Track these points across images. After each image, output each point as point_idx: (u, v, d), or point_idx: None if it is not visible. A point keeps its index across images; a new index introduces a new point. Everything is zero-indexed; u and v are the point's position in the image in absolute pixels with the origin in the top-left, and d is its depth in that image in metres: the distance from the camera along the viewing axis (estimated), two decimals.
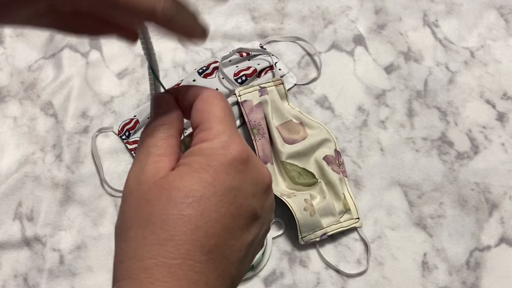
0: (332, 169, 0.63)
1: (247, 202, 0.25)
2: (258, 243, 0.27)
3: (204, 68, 0.68)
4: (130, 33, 0.27)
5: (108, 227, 0.63)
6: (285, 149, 0.63)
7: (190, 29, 0.25)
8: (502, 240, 0.62)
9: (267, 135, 0.64)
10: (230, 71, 0.68)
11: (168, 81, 0.70)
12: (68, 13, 0.24)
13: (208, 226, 0.23)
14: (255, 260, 0.53)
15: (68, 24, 0.26)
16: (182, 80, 0.68)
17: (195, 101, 0.27)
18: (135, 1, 0.22)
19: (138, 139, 0.66)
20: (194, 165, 0.24)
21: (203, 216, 0.23)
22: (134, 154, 0.66)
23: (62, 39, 0.74)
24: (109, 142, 0.67)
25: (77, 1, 0.23)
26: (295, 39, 0.73)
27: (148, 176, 0.24)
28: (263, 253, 0.60)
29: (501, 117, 0.69)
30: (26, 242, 0.62)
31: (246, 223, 0.25)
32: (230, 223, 0.24)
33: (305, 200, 0.60)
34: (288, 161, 0.63)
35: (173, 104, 0.28)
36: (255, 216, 0.25)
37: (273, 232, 0.62)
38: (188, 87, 0.28)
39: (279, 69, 0.70)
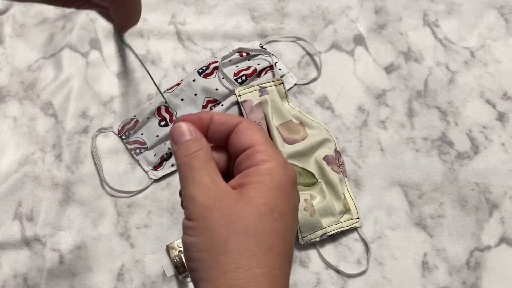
0: (332, 169, 0.63)
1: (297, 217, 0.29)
2: None
3: (204, 68, 0.68)
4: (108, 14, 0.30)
5: (108, 227, 0.63)
6: (285, 149, 0.63)
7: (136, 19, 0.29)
8: (502, 240, 0.62)
9: (267, 135, 0.64)
10: (230, 71, 0.68)
11: (168, 81, 0.70)
12: None
13: (290, 239, 0.27)
14: None
15: None
16: (182, 80, 0.68)
17: (236, 127, 0.30)
18: None
19: (138, 139, 0.66)
20: (268, 183, 0.27)
21: (287, 230, 0.27)
22: (134, 154, 0.66)
23: (62, 39, 0.74)
24: (109, 142, 0.67)
25: None
26: (295, 39, 0.73)
27: (222, 194, 0.27)
28: None
29: (501, 117, 0.69)
30: (26, 242, 0.62)
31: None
32: (294, 236, 0.28)
33: (305, 200, 0.60)
34: (288, 161, 0.63)
35: (198, 132, 0.30)
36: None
37: None
38: (221, 115, 0.31)
39: (279, 69, 0.70)
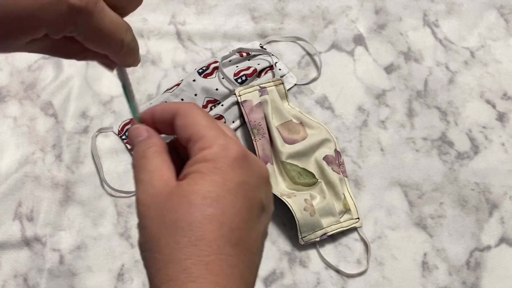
0: (332, 169, 0.63)
1: (254, 194, 0.27)
2: (266, 233, 0.29)
3: (204, 68, 0.68)
4: (108, 61, 0.30)
5: (108, 227, 0.63)
6: (285, 149, 0.63)
7: (135, 61, 0.29)
8: (502, 240, 0.62)
9: (267, 135, 0.64)
10: (230, 71, 0.68)
11: (168, 81, 0.70)
12: (59, 39, 0.26)
13: (230, 221, 0.25)
14: None
15: (58, 49, 0.28)
16: (182, 80, 0.68)
17: (174, 118, 0.29)
18: (110, 34, 0.26)
19: None
20: (202, 170, 0.26)
21: (224, 213, 0.25)
22: (134, 155, 0.66)
23: None
24: (109, 142, 0.67)
25: (69, 31, 0.25)
26: (295, 39, 0.73)
27: (160, 189, 0.26)
28: None
29: (501, 117, 0.69)
30: (26, 242, 0.62)
31: (258, 214, 0.27)
32: (246, 216, 0.26)
33: (305, 200, 0.60)
34: (288, 161, 0.63)
35: (150, 130, 0.30)
36: (262, 207, 0.28)
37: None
38: (162, 106, 0.30)
39: (279, 69, 0.70)
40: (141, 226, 0.26)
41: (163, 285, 0.24)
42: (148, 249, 0.26)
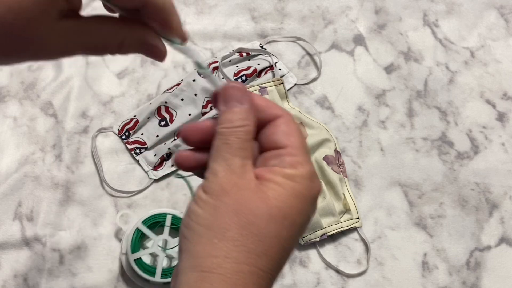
0: (332, 169, 0.63)
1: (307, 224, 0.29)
2: None
3: None
4: (159, 52, 0.29)
5: (108, 227, 0.63)
6: None
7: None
8: (502, 240, 0.62)
9: None
10: (230, 71, 0.68)
11: (168, 81, 0.70)
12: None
13: (291, 248, 0.27)
14: None
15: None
16: (182, 80, 0.68)
17: (276, 119, 0.28)
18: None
19: (138, 139, 0.66)
20: (287, 188, 0.26)
21: (290, 240, 0.26)
22: (134, 154, 0.66)
23: None
24: (109, 142, 0.67)
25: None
26: (295, 39, 0.73)
27: (246, 182, 0.26)
28: None
29: (501, 117, 0.69)
30: (26, 242, 0.62)
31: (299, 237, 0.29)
32: (295, 243, 0.28)
33: None
34: None
35: (250, 101, 0.28)
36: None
37: None
38: (267, 102, 0.29)
39: (279, 69, 0.70)
40: (209, 202, 0.26)
41: (210, 273, 0.24)
42: (208, 227, 0.25)
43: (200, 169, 0.29)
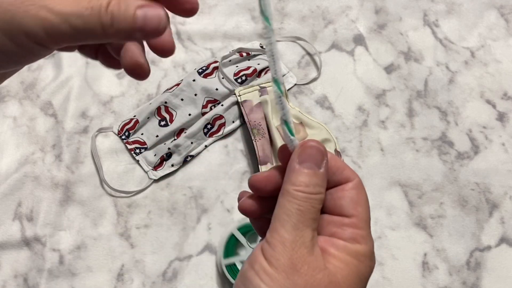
0: None
1: None
2: None
3: (204, 68, 0.68)
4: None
5: (107, 227, 0.63)
6: None
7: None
8: (503, 240, 0.62)
9: (267, 135, 0.64)
10: (230, 71, 0.68)
11: (168, 81, 0.70)
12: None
13: None
14: None
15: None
16: (182, 80, 0.68)
17: (345, 183, 0.26)
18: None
19: (138, 139, 0.66)
20: (354, 270, 0.24)
21: None
22: (134, 154, 0.66)
23: None
24: (109, 142, 0.67)
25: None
26: (295, 39, 0.73)
27: (315, 259, 0.24)
28: None
29: (501, 117, 0.69)
30: (26, 242, 0.62)
31: None
32: None
33: None
34: None
35: (327, 165, 0.26)
36: None
37: None
38: (337, 161, 0.27)
39: None
40: (275, 279, 0.23)
41: None
42: None
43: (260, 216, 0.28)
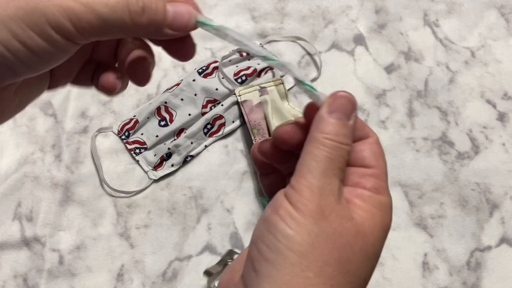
0: None
1: None
2: None
3: (204, 68, 0.68)
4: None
5: (107, 227, 0.63)
6: None
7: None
8: (503, 240, 0.62)
9: (267, 135, 0.64)
10: (230, 71, 0.68)
11: (168, 81, 0.70)
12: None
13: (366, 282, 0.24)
14: None
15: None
16: (182, 80, 0.68)
17: (366, 137, 0.26)
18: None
19: (137, 139, 0.66)
20: (379, 221, 0.24)
21: (369, 274, 0.24)
22: (133, 154, 0.66)
23: None
24: (109, 142, 0.67)
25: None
26: (295, 39, 0.73)
27: (342, 208, 0.23)
28: None
29: (501, 117, 0.69)
30: (26, 243, 0.62)
31: None
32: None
33: None
34: None
35: (356, 118, 0.26)
36: None
37: None
38: (359, 119, 0.27)
39: None
40: (302, 224, 0.22)
41: None
42: (301, 259, 0.22)
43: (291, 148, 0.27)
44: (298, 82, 0.26)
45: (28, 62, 0.22)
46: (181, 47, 0.26)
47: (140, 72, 0.27)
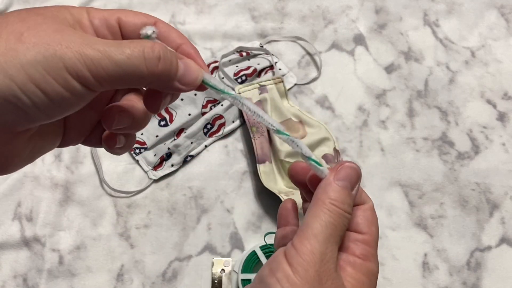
0: (331, 167, 0.63)
1: None
2: None
3: None
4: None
5: (107, 227, 0.63)
6: (284, 148, 0.63)
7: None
8: (503, 240, 0.62)
9: (266, 134, 0.64)
10: (230, 71, 0.68)
11: None
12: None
13: None
14: None
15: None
16: None
17: (363, 204, 0.28)
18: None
19: (137, 139, 0.66)
20: (365, 287, 0.25)
21: None
22: (133, 154, 0.66)
23: None
24: None
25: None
26: (295, 39, 0.73)
27: (337, 277, 0.24)
28: None
29: (501, 117, 0.69)
30: (26, 243, 0.62)
31: None
32: None
33: None
34: (287, 159, 0.63)
35: (358, 190, 0.28)
36: None
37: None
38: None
39: (279, 69, 0.70)
40: (296, 285, 0.23)
41: None
42: None
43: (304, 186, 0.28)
44: (305, 158, 0.27)
45: (43, 107, 0.22)
46: (155, 101, 0.27)
47: (153, 101, 0.28)
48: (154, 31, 0.25)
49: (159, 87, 0.25)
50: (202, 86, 0.26)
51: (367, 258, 0.26)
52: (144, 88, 0.29)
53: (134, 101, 0.28)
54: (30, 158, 0.26)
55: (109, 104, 0.28)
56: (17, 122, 0.22)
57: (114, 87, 0.24)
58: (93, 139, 0.29)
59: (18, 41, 0.21)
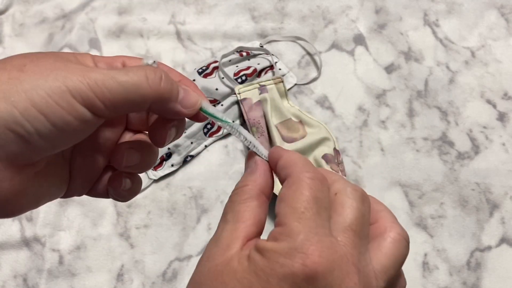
0: (331, 167, 0.63)
1: None
2: None
3: (203, 68, 0.68)
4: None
5: (107, 227, 0.63)
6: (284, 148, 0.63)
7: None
8: (503, 240, 0.62)
9: (266, 134, 0.64)
10: (230, 71, 0.68)
11: None
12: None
13: None
14: None
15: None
16: None
17: (286, 178, 0.24)
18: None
19: None
20: (252, 265, 0.21)
21: None
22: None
23: (62, 38, 0.74)
24: None
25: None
26: (295, 39, 0.73)
27: (218, 250, 0.23)
28: None
29: (501, 117, 0.69)
30: (26, 243, 0.62)
31: None
32: None
33: None
34: None
35: (260, 162, 0.26)
36: None
37: None
38: (281, 152, 0.26)
39: (279, 69, 0.70)
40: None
41: None
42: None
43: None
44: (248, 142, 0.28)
45: (46, 134, 0.21)
46: (160, 134, 0.28)
47: (158, 135, 0.28)
48: (154, 61, 0.26)
49: (161, 110, 0.25)
50: (201, 115, 0.27)
51: (274, 238, 0.22)
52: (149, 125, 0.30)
53: (141, 139, 0.29)
54: (36, 201, 0.25)
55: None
56: (20, 153, 0.22)
57: (118, 111, 0.23)
58: (99, 188, 0.29)
59: (21, 71, 0.21)
